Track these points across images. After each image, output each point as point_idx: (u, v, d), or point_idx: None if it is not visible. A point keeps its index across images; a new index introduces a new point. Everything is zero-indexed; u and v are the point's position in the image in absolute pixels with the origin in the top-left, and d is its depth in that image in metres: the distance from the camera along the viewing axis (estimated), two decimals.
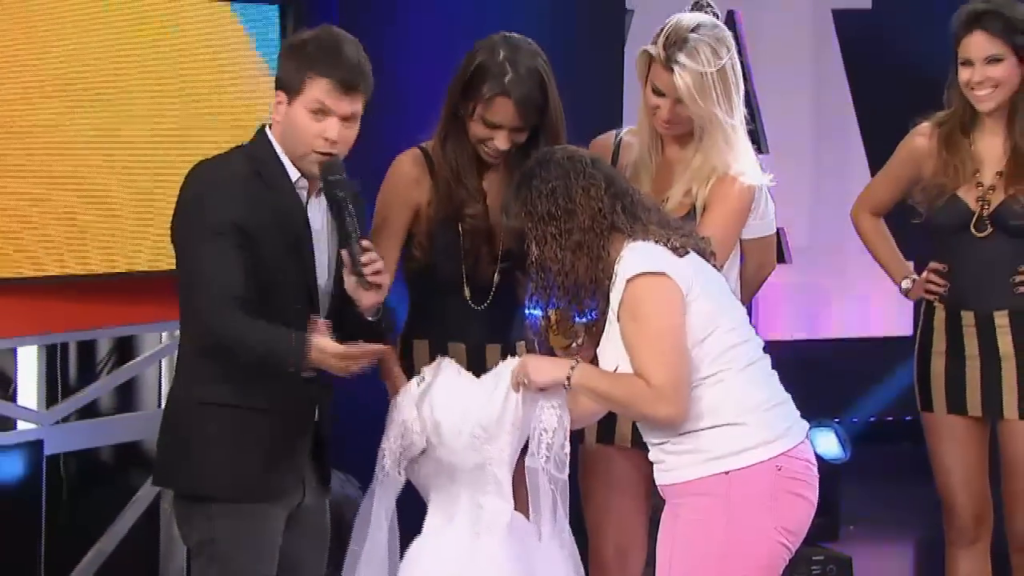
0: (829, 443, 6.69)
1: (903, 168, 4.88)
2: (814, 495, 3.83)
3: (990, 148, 4.74)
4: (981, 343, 4.76)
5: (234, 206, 3.74)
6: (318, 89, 3.76)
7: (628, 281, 3.73)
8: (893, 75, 7.43)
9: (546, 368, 3.85)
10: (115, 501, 5.39)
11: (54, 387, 5.32)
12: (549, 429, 3.88)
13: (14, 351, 5.23)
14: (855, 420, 7.51)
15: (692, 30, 4.11)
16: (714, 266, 3.90)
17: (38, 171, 4.86)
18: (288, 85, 3.79)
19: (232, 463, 3.81)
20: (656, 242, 3.78)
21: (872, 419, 7.82)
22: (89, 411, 5.42)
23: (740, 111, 4.18)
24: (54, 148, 4.89)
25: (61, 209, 4.90)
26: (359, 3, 5.92)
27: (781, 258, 7.71)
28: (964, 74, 4.70)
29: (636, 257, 3.75)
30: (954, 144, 4.75)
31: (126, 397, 5.58)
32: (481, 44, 4.13)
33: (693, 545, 3.78)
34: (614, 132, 4.40)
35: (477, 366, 4.09)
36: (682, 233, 3.85)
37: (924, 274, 4.87)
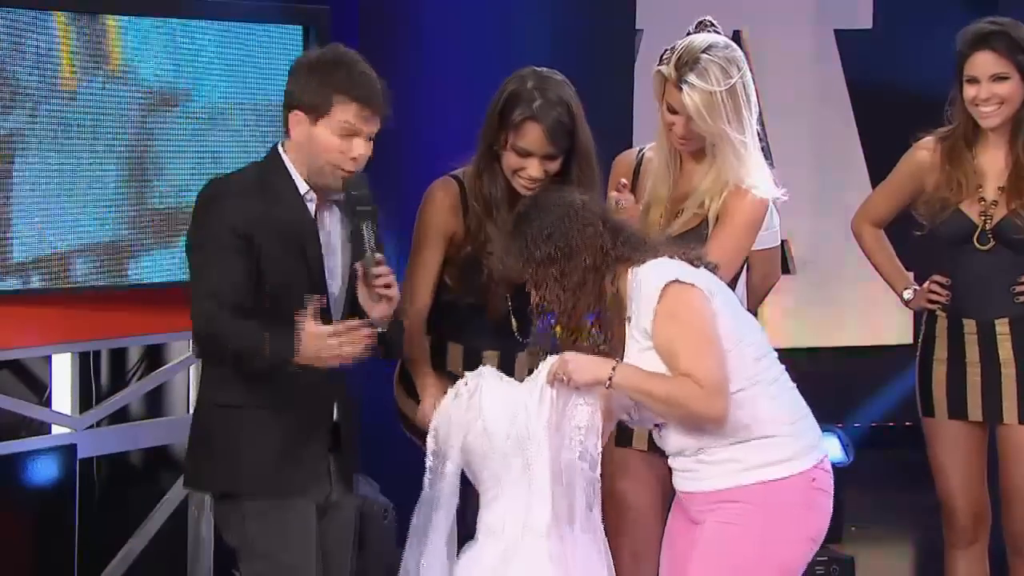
0: (832, 448, 6.72)
1: (905, 181, 4.90)
2: (831, 502, 3.86)
3: (992, 163, 4.77)
4: (982, 350, 4.80)
5: (236, 214, 3.80)
6: (348, 112, 3.81)
7: (663, 289, 3.73)
8: (893, 93, 7.41)
9: (588, 366, 3.78)
10: (145, 502, 5.42)
11: (87, 393, 5.34)
12: (582, 426, 3.85)
13: (49, 358, 5.24)
14: (857, 425, 7.50)
15: (704, 51, 4.14)
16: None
17: (71, 186, 4.93)
18: (311, 105, 3.81)
19: (249, 461, 3.87)
20: (671, 257, 3.80)
21: (873, 424, 7.83)
22: (120, 416, 5.45)
23: (752, 128, 4.20)
24: (87, 161, 4.95)
25: (93, 222, 4.97)
26: (382, 27, 5.98)
27: (785, 268, 7.80)
28: (970, 91, 4.72)
29: (661, 270, 3.75)
30: (957, 158, 4.77)
31: (155, 403, 5.61)
32: (512, 76, 4.17)
33: (722, 551, 3.79)
34: (637, 148, 4.43)
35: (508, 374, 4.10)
36: (690, 250, 3.86)
37: (926, 285, 4.88)
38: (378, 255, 3.87)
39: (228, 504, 3.92)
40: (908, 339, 7.84)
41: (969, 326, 4.83)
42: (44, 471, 5.05)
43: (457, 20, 6.31)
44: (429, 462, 4.00)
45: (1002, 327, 4.80)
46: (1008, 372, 4.80)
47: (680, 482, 3.90)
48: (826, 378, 7.29)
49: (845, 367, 7.76)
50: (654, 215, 4.26)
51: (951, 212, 4.79)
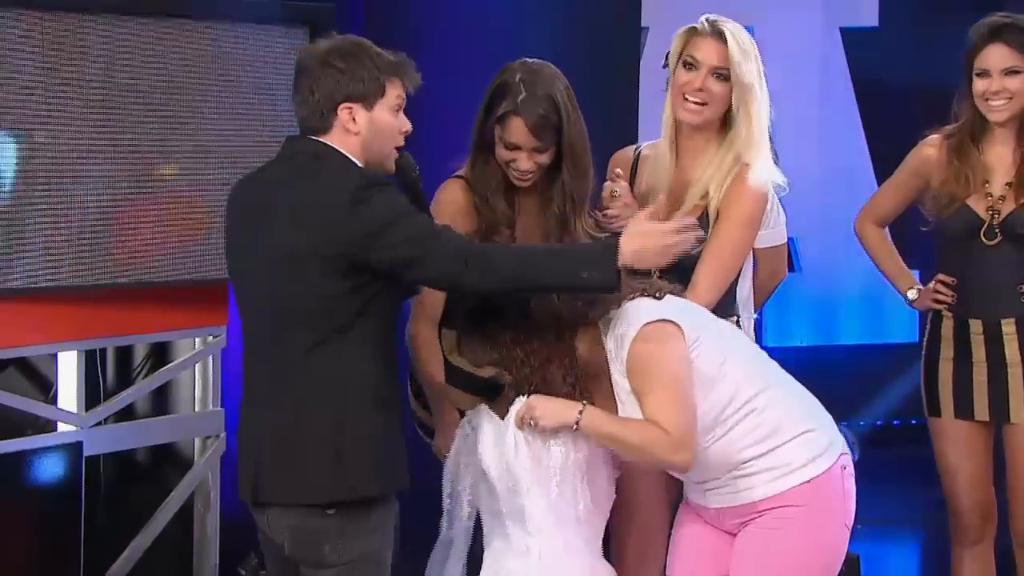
0: None
1: (911, 178, 4.90)
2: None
3: (1000, 158, 4.78)
4: (988, 350, 4.81)
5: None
6: (397, 89, 3.85)
7: (638, 332, 3.73)
8: (899, 91, 7.48)
9: (554, 411, 3.78)
10: (151, 500, 5.40)
11: (93, 391, 5.31)
12: (556, 467, 3.81)
13: (55, 356, 5.23)
14: (863, 423, 7.56)
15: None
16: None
17: (78, 183, 4.93)
18: (364, 93, 3.80)
19: (401, 459, 3.82)
20: (641, 296, 3.78)
21: (880, 422, 7.87)
22: (126, 414, 5.43)
23: (767, 105, 4.22)
24: (95, 162, 4.95)
25: (99, 220, 4.97)
26: (386, 26, 5.99)
27: (791, 266, 7.83)
28: (980, 85, 4.73)
29: (636, 312, 3.76)
30: (965, 154, 4.78)
31: (161, 401, 5.58)
32: (503, 68, 4.19)
33: (777, 556, 3.80)
34: (633, 146, 4.44)
35: None
36: (660, 284, 3.84)
37: (931, 284, 4.89)
38: None
39: (351, 516, 3.77)
40: (914, 337, 7.87)
41: (975, 326, 4.83)
42: (50, 469, 5.05)
43: (462, 19, 6.34)
44: (446, 504, 3.99)
45: (1008, 327, 4.80)
46: (1015, 372, 4.80)
47: (712, 498, 3.87)
48: (833, 375, 7.32)
49: (851, 365, 7.78)
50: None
51: (958, 207, 4.79)
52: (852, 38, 7.79)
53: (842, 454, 3.85)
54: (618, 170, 4.31)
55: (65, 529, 5.09)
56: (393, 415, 3.83)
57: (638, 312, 3.76)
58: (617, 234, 3.87)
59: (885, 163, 8.13)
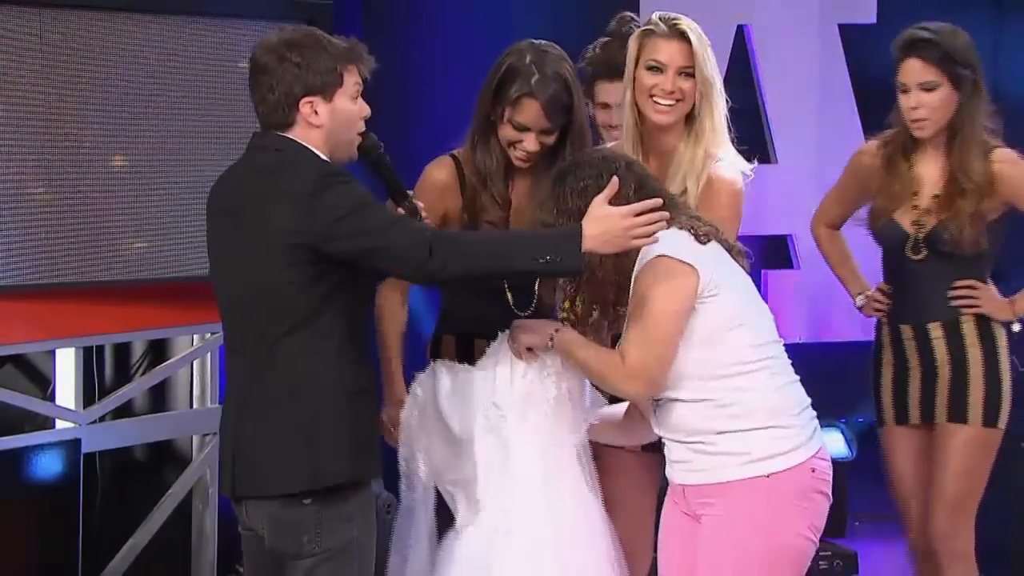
0: (836, 442, 6.78)
1: (850, 184, 4.92)
2: (831, 494, 3.88)
3: (930, 171, 4.76)
4: (920, 355, 4.82)
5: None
6: (355, 75, 3.86)
7: (647, 261, 3.78)
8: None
9: (533, 327, 3.96)
10: (149, 497, 5.43)
11: (91, 388, 5.35)
12: (550, 398, 3.95)
13: (53, 353, 5.27)
14: (860, 420, 7.56)
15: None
16: (742, 266, 3.92)
17: (75, 180, 4.94)
18: (322, 85, 3.82)
19: (373, 447, 3.86)
20: (680, 229, 3.82)
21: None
22: (124, 411, 5.46)
23: (723, 94, 4.23)
24: (89, 157, 4.97)
25: (97, 217, 4.98)
26: (384, 21, 5.99)
27: (789, 263, 7.83)
28: (903, 100, 4.71)
29: (661, 242, 3.78)
30: (894, 167, 4.76)
31: (159, 397, 5.62)
32: (510, 50, 4.19)
33: (725, 545, 3.80)
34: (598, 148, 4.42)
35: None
36: (709, 228, 3.87)
37: (872, 292, 4.91)
38: (410, 191, 4.00)
39: (329, 504, 3.79)
40: None
41: (906, 332, 4.85)
42: (48, 466, 5.07)
43: (460, 14, 6.34)
44: (402, 467, 4.07)
45: (936, 331, 4.80)
46: (943, 373, 4.80)
47: (676, 473, 3.90)
48: (829, 373, 7.31)
49: (847, 362, 7.77)
50: None
51: (886, 220, 4.79)
52: (850, 34, 7.80)
53: (815, 458, 3.81)
54: None
55: (63, 526, 5.10)
56: (364, 403, 3.86)
57: (667, 241, 3.78)
58: None
59: None
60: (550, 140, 4.17)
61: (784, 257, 7.79)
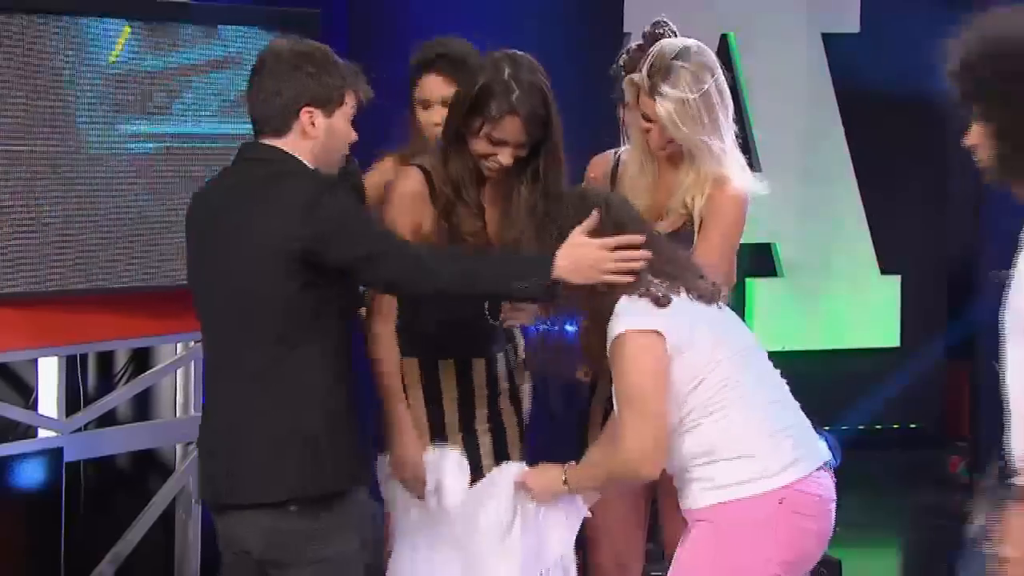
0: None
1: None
2: (823, 524, 3.84)
3: None
4: None
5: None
6: (352, 100, 3.92)
7: (613, 341, 3.78)
8: (880, 96, 7.50)
9: (545, 487, 3.98)
10: (132, 506, 5.43)
11: (74, 396, 5.34)
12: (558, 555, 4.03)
13: (35, 362, 5.26)
14: (845, 428, 7.59)
15: (675, 57, 4.17)
16: (717, 304, 3.88)
17: (57, 188, 4.93)
18: (325, 99, 3.87)
19: (366, 454, 3.95)
20: (640, 297, 3.80)
21: (861, 427, 7.86)
22: (107, 420, 5.45)
23: (730, 130, 4.23)
24: (71, 165, 4.95)
25: (81, 225, 4.98)
26: (370, 31, 6.01)
27: (773, 271, 7.85)
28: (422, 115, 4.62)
29: (622, 316, 3.79)
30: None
31: (143, 406, 5.62)
32: (484, 62, 4.17)
33: (689, 570, 3.83)
34: (613, 151, 4.44)
35: (492, 377, 4.21)
36: (674, 275, 3.85)
37: None
38: None
39: (321, 513, 3.83)
40: (895, 342, 7.91)
41: None
42: (31, 475, 5.06)
43: (444, 24, 6.35)
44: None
45: None
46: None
47: (680, 500, 3.93)
48: (813, 381, 7.33)
49: (832, 370, 7.82)
50: None
51: None
52: (834, 42, 7.84)
53: (788, 488, 3.77)
54: (592, 175, 4.33)
55: (46, 535, 5.10)
56: (352, 414, 3.90)
57: (629, 314, 3.79)
58: None
59: (867, 166, 8.21)
60: (523, 152, 4.15)
61: (768, 265, 7.82)
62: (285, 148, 3.88)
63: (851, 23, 7.88)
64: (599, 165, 4.42)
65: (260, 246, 3.79)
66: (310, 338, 3.81)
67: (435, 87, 4.45)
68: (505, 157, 4.12)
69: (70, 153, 4.97)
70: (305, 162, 3.87)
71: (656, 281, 3.82)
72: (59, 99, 4.93)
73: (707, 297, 3.87)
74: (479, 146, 4.13)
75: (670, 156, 4.26)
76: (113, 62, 5.02)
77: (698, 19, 6.76)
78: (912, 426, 8.03)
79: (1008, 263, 4.94)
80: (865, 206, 7.84)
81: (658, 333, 3.76)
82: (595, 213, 3.83)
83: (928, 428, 8.07)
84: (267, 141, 3.89)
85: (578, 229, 3.81)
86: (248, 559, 3.89)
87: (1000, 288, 3.55)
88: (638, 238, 3.83)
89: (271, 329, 3.81)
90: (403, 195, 4.18)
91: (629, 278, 3.79)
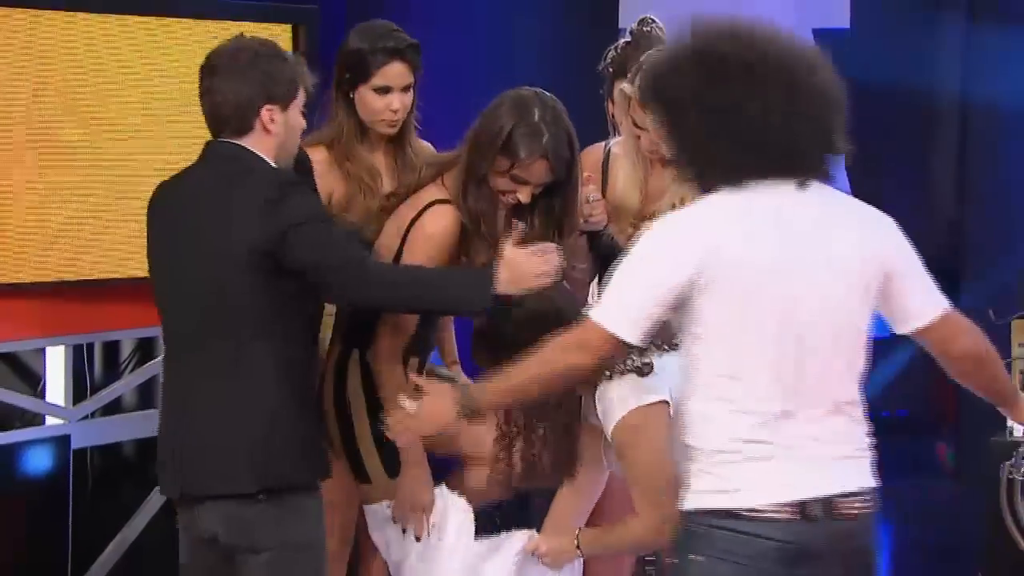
0: None
1: None
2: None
3: None
4: None
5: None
6: (303, 94, 3.93)
7: (616, 426, 3.82)
8: (871, 92, 7.56)
9: (559, 554, 4.01)
10: (137, 493, 5.45)
11: (80, 385, 5.36)
12: None
13: (43, 351, 5.29)
14: None
15: None
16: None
17: (63, 178, 4.99)
18: (282, 95, 3.87)
19: (323, 448, 3.97)
20: (623, 375, 3.83)
21: None
22: (113, 408, 5.49)
23: None
24: (74, 155, 5.01)
25: (86, 215, 5.04)
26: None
27: None
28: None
29: (620, 403, 3.83)
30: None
31: (148, 394, 5.63)
32: (513, 101, 4.13)
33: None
34: (603, 144, 4.47)
35: None
36: (636, 359, 3.85)
37: None
38: None
39: (284, 500, 3.84)
40: (886, 331, 7.97)
41: None
42: (38, 461, 5.11)
43: (443, 23, 6.39)
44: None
45: None
46: None
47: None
48: None
49: None
50: (623, 223, 4.33)
51: None
52: (824, 38, 7.85)
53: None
54: (588, 174, 4.33)
55: (53, 521, 5.14)
56: (314, 407, 3.99)
57: (623, 397, 3.83)
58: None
59: (857, 162, 8.25)
60: (540, 190, 4.16)
61: None
62: (247, 146, 3.86)
63: (841, 19, 7.91)
64: (590, 157, 4.42)
65: (227, 243, 3.79)
66: (271, 332, 3.81)
67: (399, 75, 4.36)
68: (524, 195, 4.14)
69: (73, 143, 5.00)
70: (268, 159, 3.86)
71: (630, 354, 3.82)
72: (59, 90, 4.96)
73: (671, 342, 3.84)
74: (501, 183, 4.14)
75: (661, 158, 4.29)
76: (121, 56, 5.08)
77: (688, 16, 6.81)
78: (899, 414, 8.10)
79: (992, 253, 5.01)
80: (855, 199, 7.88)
81: (662, 402, 3.82)
82: (519, 224, 3.90)
83: (915, 415, 8.15)
84: (229, 140, 3.89)
85: (508, 243, 3.88)
86: (210, 543, 3.90)
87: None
88: (551, 245, 3.91)
89: (231, 322, 3.81)
90: (446, 235, 4.17)
91: (553, 279, 3.86)
